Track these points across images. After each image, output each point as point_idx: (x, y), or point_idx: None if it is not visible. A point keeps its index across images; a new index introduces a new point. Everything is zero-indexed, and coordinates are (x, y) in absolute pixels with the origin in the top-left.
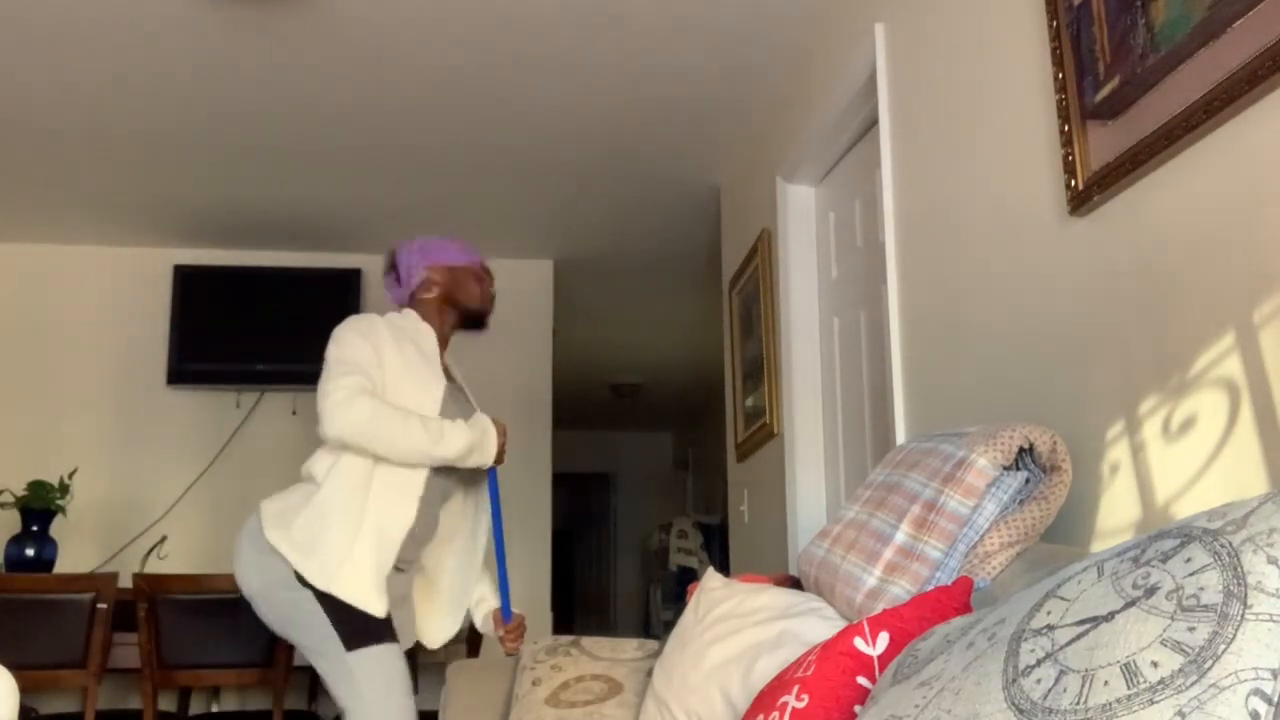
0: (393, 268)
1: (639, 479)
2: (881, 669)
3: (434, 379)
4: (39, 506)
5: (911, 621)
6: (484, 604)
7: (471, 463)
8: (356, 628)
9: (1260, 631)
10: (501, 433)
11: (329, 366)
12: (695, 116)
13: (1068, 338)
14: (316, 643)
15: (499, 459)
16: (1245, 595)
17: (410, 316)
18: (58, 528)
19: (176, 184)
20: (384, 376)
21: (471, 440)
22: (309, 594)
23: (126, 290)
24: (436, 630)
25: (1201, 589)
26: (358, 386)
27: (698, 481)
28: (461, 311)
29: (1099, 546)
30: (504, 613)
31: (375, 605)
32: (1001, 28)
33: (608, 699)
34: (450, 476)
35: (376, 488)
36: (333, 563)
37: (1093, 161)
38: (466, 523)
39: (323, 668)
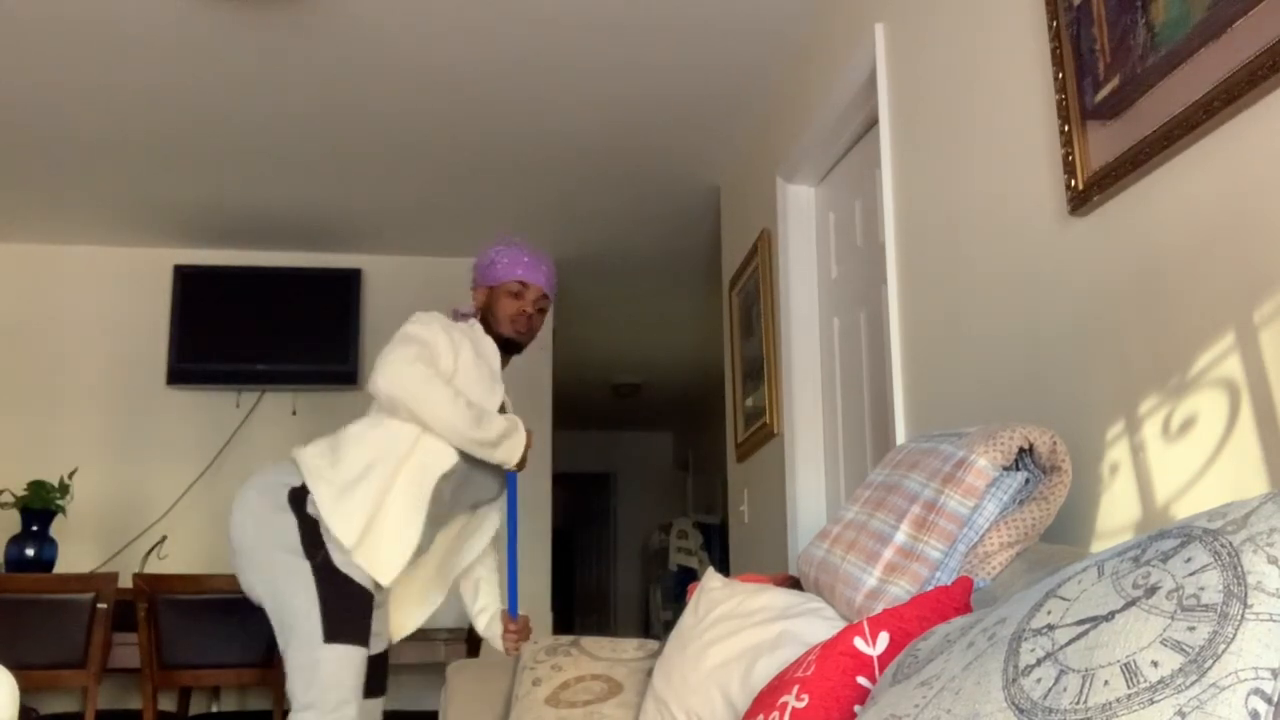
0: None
1: (639, 479)
2: (881, 669)
3: (496, 387)
4: (39, 506)
5: (911, 621)
6: (485, 613)
7: (499, 456)
8: (343, 619)
9: (1260, 631)
10: (529, 436)
11: (399, 338)
12: (695, 116)
13: (1067, 338)
14: (292, 620)
15: (521, 464)
16: (1245, 595)
17: (477, 328)
18: (58, 528)
19: (176, 184)
20: (455, 366)
21: (504, 429)
22: (308, 566)
23: (126, 290)
24: (405, 620)
25: (1202, 589)
26: (421, 355)
27: (698, 481)
28: (494, 335)
29: (1099, 546)
30: (511, 610)
31: (386, 573)
32: (1001, 28)
33: (608, 699)
34: (463, 488)
35: (415, 458)
36: (362, 518)
37: (1093, 161)
38: (459, 521)
39: (287, 651)
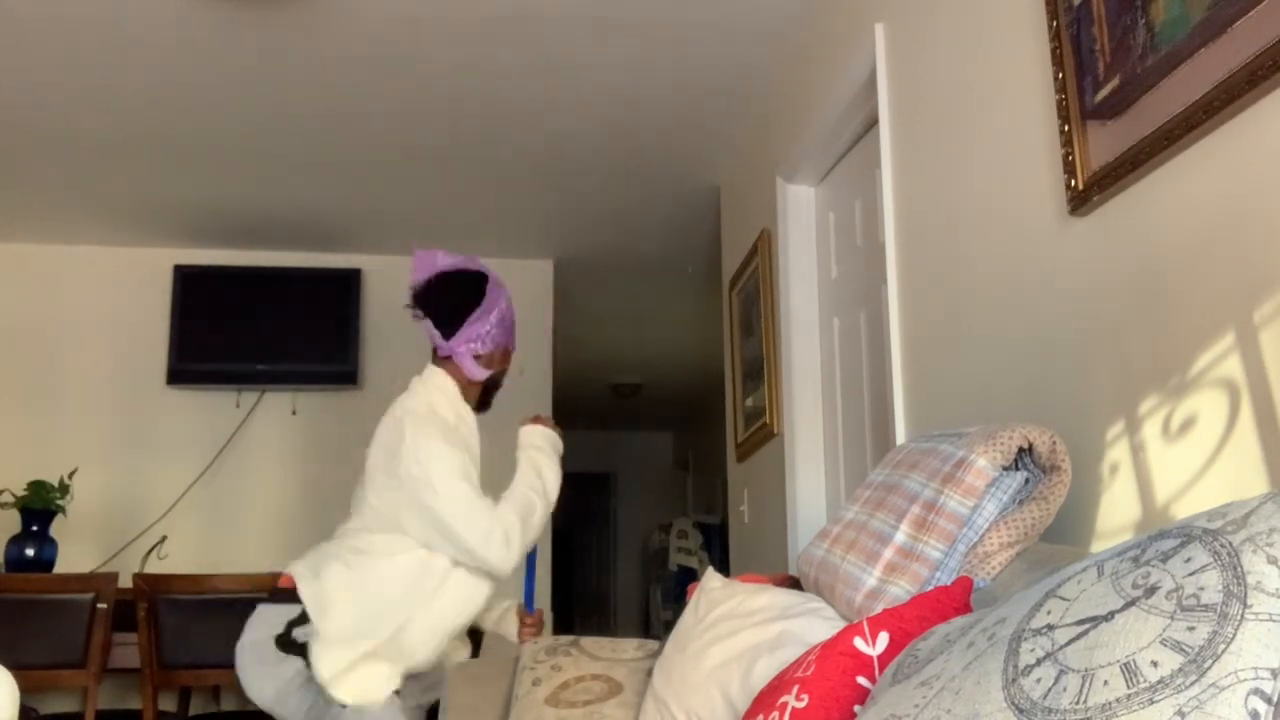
0: (477, 300)
1: (639, 479)
2: (881, 669)
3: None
4: (39, 506)
5: (911, 621)
6: (494, 609)
7: (554, 493)
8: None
9: (1260, 631)
10: (546, 425)
11: (446, 472)
12: (695, 117)
13: (1067, 338)
14: (327, 714)
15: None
16: (1245, 595)
17: (462, 407)
18: (58, 528)
19: (176, 184)
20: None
21: (556, 465)
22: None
23: (126, 290)
24: (455, 652)
25: (1201, 589)
26: (477, 492)
27: (698, 481)
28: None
29: (1099, 546)
30: (527, 604)
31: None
32: (1001, 28)
33: (608, 699)
34: None
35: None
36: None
37: (1093, 161)
38: None
39: None
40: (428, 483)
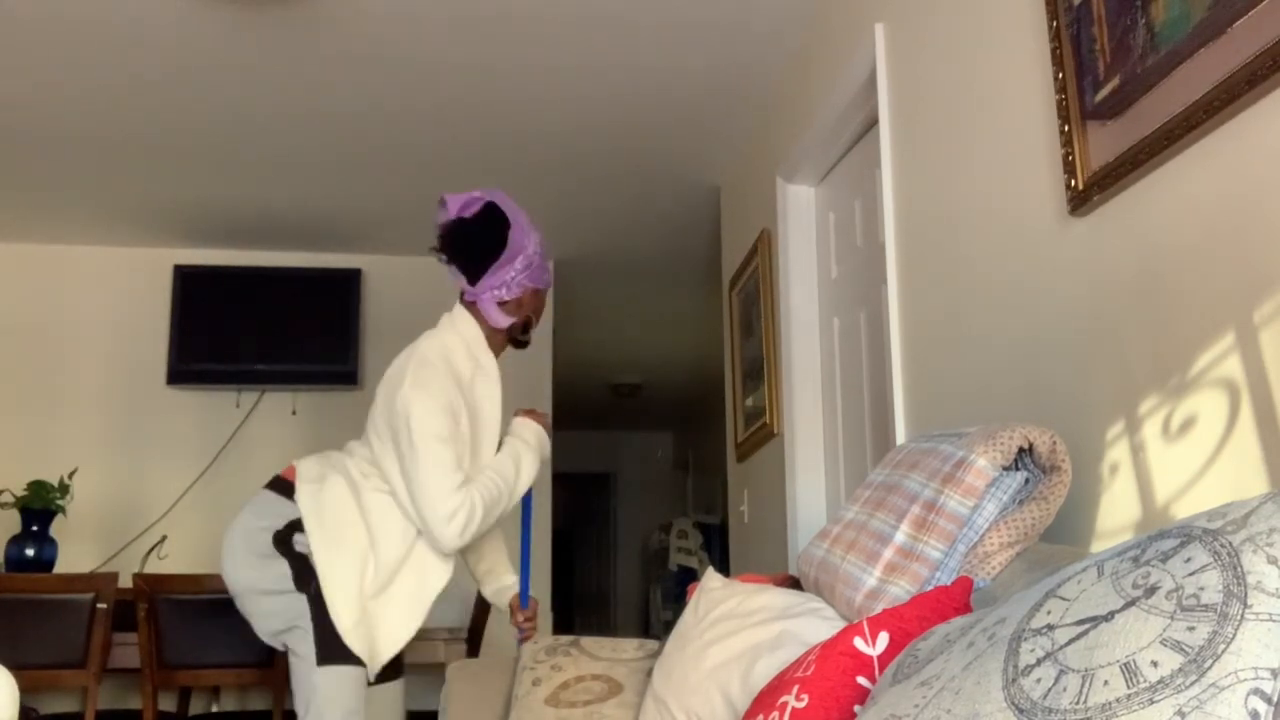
0: (500, 247)
1: (639, 479)
2: (881, 669)
3: (498, 409)
4: (39, 506)
5: (911, 621)
6: (492, 575)
7: (526, 481)
8: (333, 644)
9: (1260, 631)
10: (541, 422)
11: (422, 435)
12: (695, 117)
13: (1067, 338)
14: (295, 646)
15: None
16: (1245, 595)
17: (482, 353)
18: (58, 528)
19: (176, 184)
20: (472, 422)
21: (513, 465)
22: (304, 597)
23: (126, 290)
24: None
25: (1201, 589)
26: (456, 458)
27: (698, 481)
28: (506, 337)
29: (1099, 546)
30: (522, 599)
31: (376, 662)
32: (1001, 28)
33: (608, 699)
34: None
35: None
36: (359, 604)
37: (1093, 162)
38: None
39: (294, 665)
40: (410, 439)
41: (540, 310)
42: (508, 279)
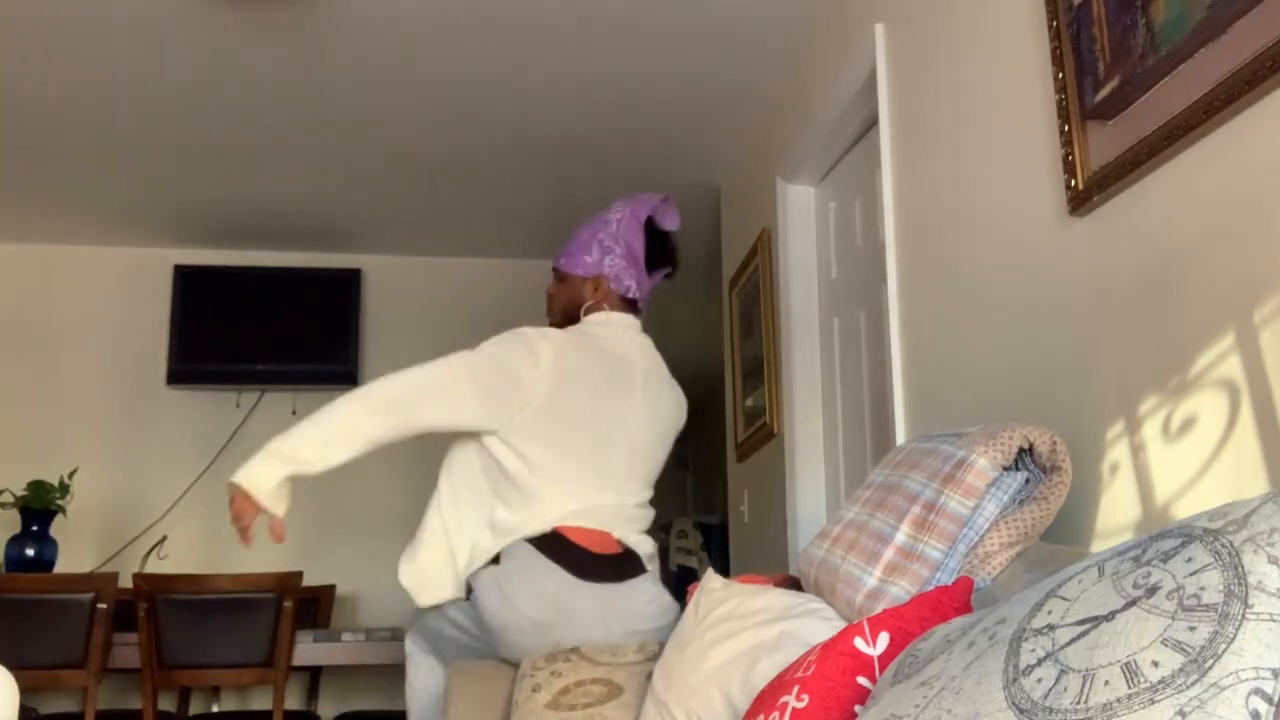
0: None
1: None
2: (882, 669)
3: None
4: (39, 506)
5: (912, 621)
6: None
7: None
8: None
9: (1261, 631)
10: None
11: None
12: (695, 117)
13: (1067, 338)
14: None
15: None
16: (1246, 595)
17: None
18: (58, 528)
19: (176, 184)
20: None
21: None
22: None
23: (126, 290)
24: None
25: (1202, 589)
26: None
27: (698, 481)
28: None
29: (1099, 546)
30: None
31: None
32: (1001, 28)
33: (608, 701)
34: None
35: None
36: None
37: (1093, 161)
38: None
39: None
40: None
41: (596, 296)
42: (589, 259)
